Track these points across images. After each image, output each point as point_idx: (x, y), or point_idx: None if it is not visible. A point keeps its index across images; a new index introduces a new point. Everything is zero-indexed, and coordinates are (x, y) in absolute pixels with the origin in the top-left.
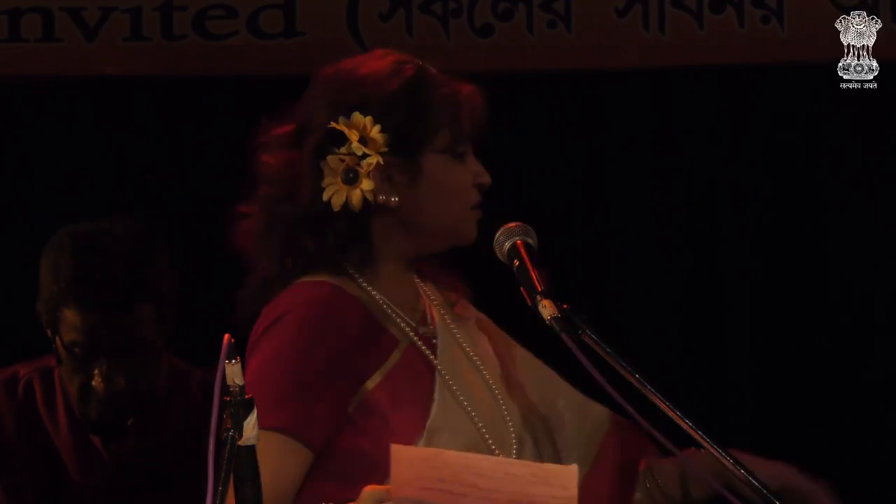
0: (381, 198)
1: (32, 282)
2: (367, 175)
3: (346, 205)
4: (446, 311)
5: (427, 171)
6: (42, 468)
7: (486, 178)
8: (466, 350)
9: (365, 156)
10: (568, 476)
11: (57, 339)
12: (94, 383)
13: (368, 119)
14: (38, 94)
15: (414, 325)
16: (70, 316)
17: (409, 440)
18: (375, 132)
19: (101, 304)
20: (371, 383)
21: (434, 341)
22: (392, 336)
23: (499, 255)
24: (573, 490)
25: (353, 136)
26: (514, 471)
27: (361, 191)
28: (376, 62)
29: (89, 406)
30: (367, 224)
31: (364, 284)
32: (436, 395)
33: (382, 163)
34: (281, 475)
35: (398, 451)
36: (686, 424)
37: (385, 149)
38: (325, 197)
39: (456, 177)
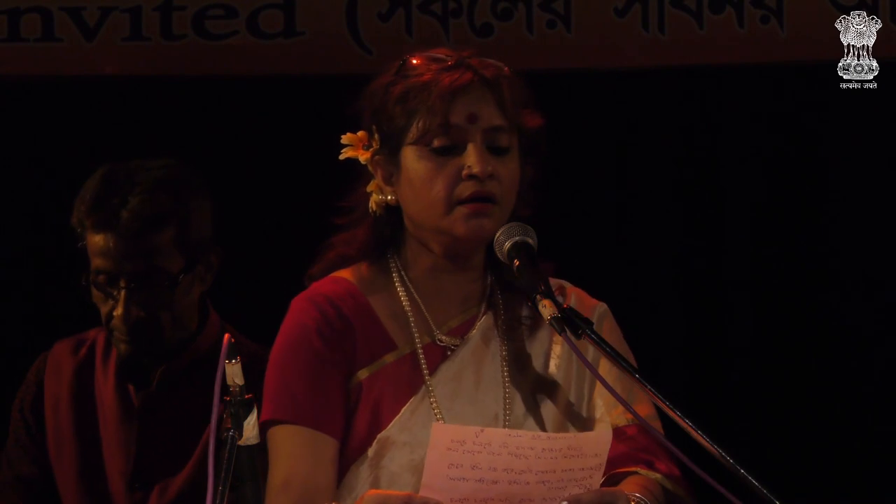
0: (380, 197)
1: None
2: (376, 177)
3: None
4: (516, 324)
5: (403, 165)
6: (84, 424)
7: (475, 169)
8: (504, 370)
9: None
10: (601, 443)
11: (90, 275)
12: (115, 313)
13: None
14: (37, 93)
15: (435, 330)
16: (92, 240)
17: (362, 444)
18: (374, 132)
19: (119, 226)
20: (362, 374)
21: (449, 352)
22: (390, 339)
23: (499, 254)
24: (604, 457)
25: (349, 141)
26: (550, 445)
27: (371, 192)
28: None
29: (116, 339)
30: (400, 222)
31: (406, 280)
32: (404, 409)
33: (371, 161)
34: (295, 458)
35: (438, 430)
36: (686, 424)
37: (378, 147)
38: (371, 201)
39: (430, 168)
